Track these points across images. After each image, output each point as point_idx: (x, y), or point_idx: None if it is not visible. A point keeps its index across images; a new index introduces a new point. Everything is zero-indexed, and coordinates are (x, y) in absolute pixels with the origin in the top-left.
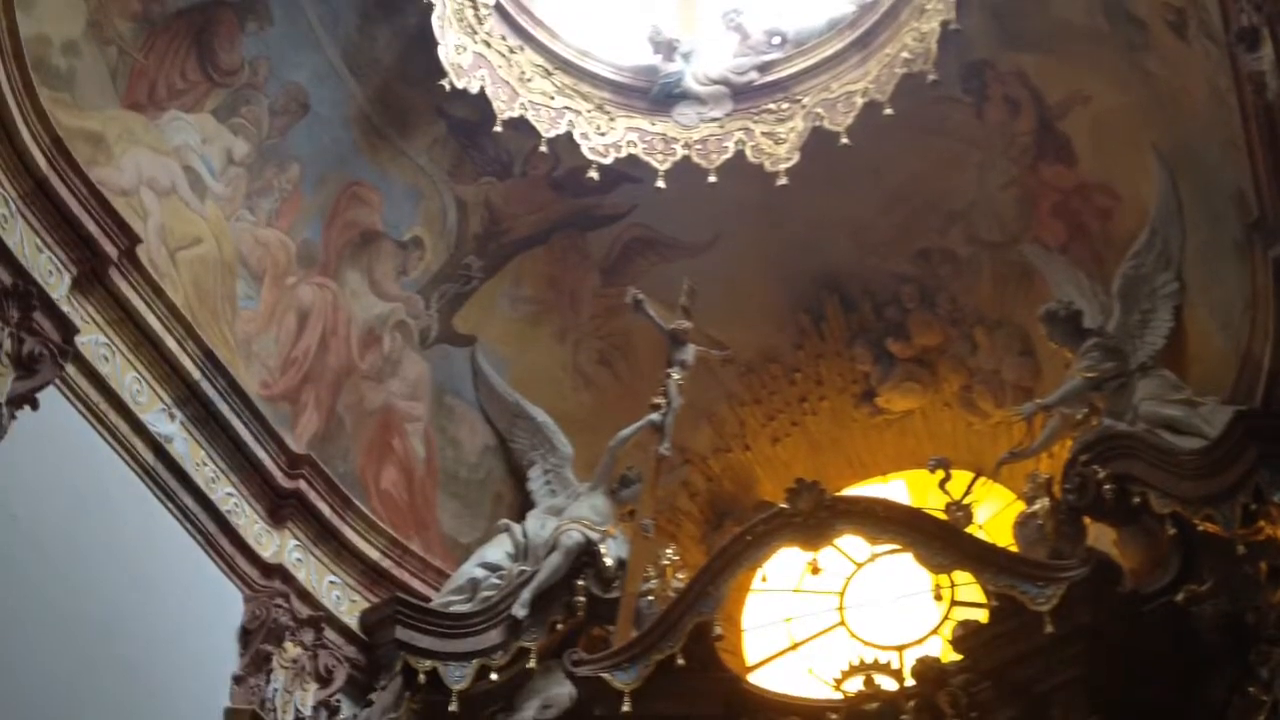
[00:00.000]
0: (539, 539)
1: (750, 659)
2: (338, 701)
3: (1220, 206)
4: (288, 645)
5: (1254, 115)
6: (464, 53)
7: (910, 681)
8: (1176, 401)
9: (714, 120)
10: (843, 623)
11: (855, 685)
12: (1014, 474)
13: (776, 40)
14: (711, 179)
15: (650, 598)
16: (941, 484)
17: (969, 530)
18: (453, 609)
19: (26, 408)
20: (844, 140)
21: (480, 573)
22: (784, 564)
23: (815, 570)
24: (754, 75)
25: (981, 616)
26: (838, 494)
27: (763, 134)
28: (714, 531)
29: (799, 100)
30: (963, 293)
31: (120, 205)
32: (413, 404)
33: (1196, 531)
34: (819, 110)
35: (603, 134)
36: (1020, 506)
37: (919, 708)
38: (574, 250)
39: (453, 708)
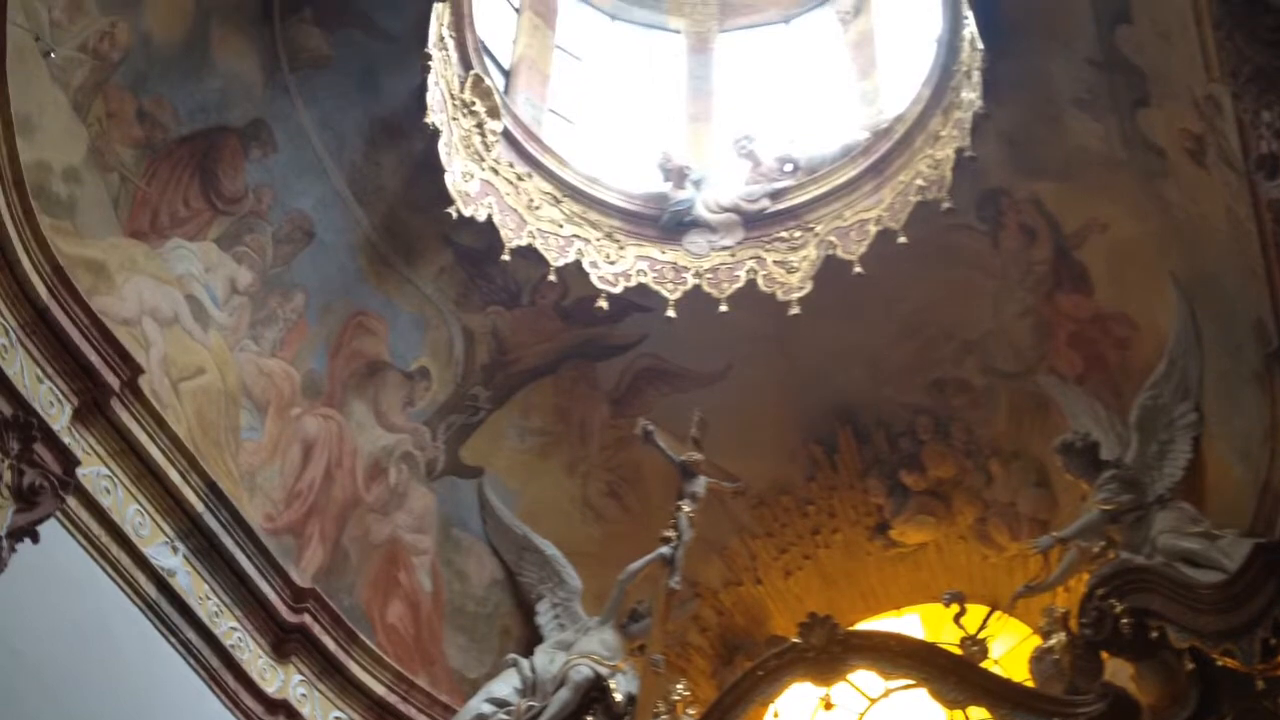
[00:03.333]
0: (548, 674)
1: None
2: None
3: (1239, 336)
4: None
5: (1273, 243)
6: (471, 180)
7: None
8: (1195, 534)
9: (725, 249)
10: None
11: None
12: (1030, 608)
13: (789, 167)
14: (723, 308)
15: None
16: (956, 618)
17: (984, 665)
18: None
19: (27, 540)
20: (857, 269)
21: (488, 708)
22: (796, 700)
23: (828, 706)
24: (766, 203)
25: None
26: (851, 628)
27: (774, 262)
28: (725, 666)
29: (811, 228)
30: (978, 424)
31: (122, 335)
32: (419, 537)
33: (1215, 666)
34: (832, 238)
35: (612, 262)
36: (1036, 641)
37: None
38: (583, 381)
39: None
